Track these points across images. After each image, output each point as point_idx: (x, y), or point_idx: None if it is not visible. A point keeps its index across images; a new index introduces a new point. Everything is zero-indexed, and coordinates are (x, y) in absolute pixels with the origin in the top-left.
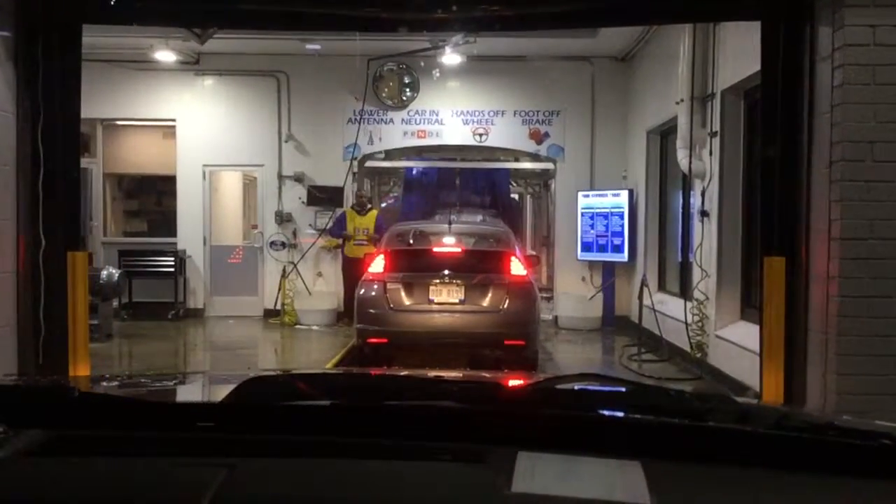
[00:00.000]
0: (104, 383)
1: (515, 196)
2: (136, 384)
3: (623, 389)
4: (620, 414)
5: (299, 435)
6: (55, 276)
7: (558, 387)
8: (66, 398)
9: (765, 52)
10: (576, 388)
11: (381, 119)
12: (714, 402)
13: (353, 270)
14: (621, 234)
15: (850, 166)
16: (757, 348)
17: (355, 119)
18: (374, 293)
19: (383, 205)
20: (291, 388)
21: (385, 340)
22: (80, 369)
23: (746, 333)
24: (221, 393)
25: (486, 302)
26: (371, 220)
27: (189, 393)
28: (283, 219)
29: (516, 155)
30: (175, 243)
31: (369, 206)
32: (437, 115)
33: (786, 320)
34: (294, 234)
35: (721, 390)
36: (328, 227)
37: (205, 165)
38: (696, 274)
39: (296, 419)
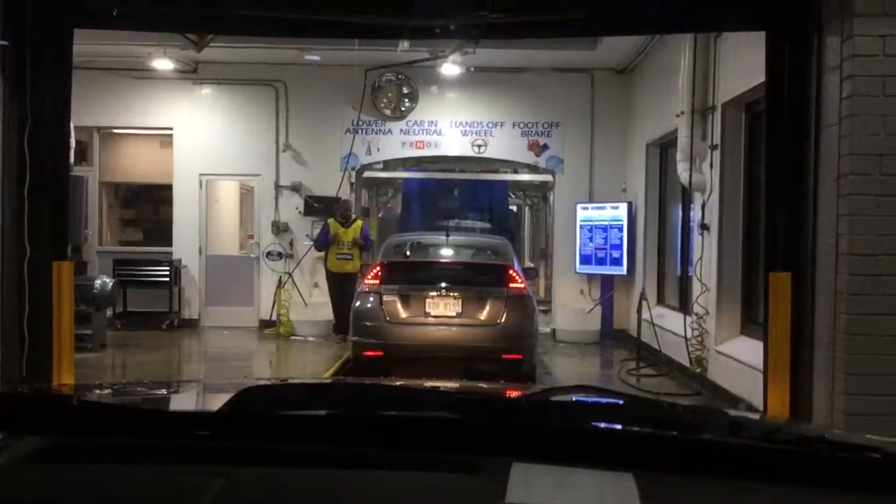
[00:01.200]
0: (102, 391)
1: (514, 208)
2: (134, 392)
3: (617, 401)
4: (614, 426)
5: (295, 444)
6: (40, 286)
7: (553, 398)
8: (65, 405)
9: (770, 62)
10: (570, 399)
11: (380, 129)
12: (706, 414)
13: (336, 286)
14: (620, 246)
15: (858, 180)
16: (758, 364)
17: (353, 129)
18: (370, 305)
19: (380, 215)
20: (288, 398)
21: (381, 353)
22: (65, 381)
23: (747, 349)
24: (218, 402)
25: (483, 315)
26: (356, 233)
27: (186, 401)
28: (279, 229)
29: (515, 166)
30: (170, 253)
31: (354, 216)
32: (435, 125)
33: (791, 338)
34: (291, 244)
35: (720, 407)
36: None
37: (201, 174)
38: (696, 288)
39: (292, 428)
